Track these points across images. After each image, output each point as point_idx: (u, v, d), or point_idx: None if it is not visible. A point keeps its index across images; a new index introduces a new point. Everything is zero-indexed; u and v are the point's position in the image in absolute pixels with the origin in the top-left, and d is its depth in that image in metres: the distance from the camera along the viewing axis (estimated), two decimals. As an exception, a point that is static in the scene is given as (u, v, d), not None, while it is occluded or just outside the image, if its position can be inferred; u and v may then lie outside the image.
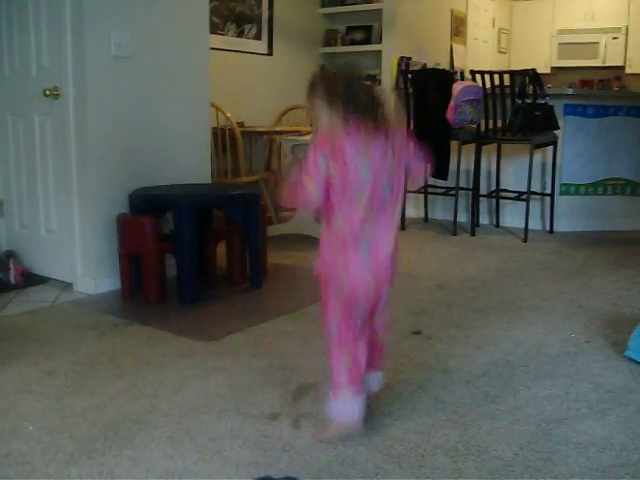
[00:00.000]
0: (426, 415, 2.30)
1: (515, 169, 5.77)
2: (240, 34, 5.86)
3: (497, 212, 5.91)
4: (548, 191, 5.62)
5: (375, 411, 2.32)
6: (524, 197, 5.32)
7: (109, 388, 2.50)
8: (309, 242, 4.92)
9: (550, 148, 5.53)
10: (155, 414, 2.29)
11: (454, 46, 7.62)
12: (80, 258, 3.80)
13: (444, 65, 6.99)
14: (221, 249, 4.09)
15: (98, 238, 3.73)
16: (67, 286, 3.85)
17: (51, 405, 2.36)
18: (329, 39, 6.80)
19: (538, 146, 5.31)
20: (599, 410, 2.35)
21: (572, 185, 5.72)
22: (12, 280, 3.87)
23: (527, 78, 5.23)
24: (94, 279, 3.74)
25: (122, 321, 3.28)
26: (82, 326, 3.21)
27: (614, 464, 1.99)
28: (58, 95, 3.68)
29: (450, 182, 5.55)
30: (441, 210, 6.19)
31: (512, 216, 5.78)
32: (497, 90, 5.34)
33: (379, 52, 6.43)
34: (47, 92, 3.68)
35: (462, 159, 5.45)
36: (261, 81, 6.09)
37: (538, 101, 5.21)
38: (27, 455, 2.02)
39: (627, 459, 2.02)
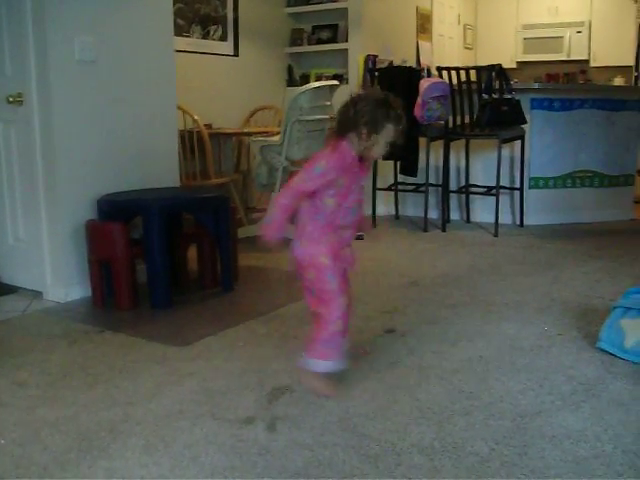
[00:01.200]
0: (401, 414, 2.30)
1: (484, 164, 5.80)
2: (205, 36, 5.84)
3: (467, 207, 5.94)
4: (517, 185, 5.66)
5: (350, 410, 2.32)
6: (493, 192, 5.34)
7: (82, 397, 2.47)
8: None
9: (518, 142, 5.57)
10: (129, 422, 2.27)
11: (420, 43, 7.65)
12: (49, 266, 3.75)
13: (410, 62, 7.02)
14: (192, 253, 4.07)
15: (67, 245, 3.69)
16: (37, 295, 3.80)
17: (23, 417, 2.33)
18: (295, 39, 6.79)
19: (506, 141, 5.35)
20: (573, 402, 2.37)
21: (541, 178, 5.76)
22: (-20, 290, 3.82)
23: (493, 73, 5.27)
24: (64, 287, 3.70)
25: (93, 329, 3.24)
26: (53, 335, 3.17)
27: (589, 456, 2.01)
28: (22, 102, 3.63)
29: (420, 179, 5.57)
30: (412, 207, 6.21)
31: (482, 211, 5.82)
32: (464, 86, 5.37)
33: (345, 51, 6.45)
34: (10, 99, 3.63)
35: (431, 155, 5.47)
36: (228, 82, 6.07)
37: (505, 96, 5.24)
38: (-1, 469, 1.99)
39: (601, 450, 2.04)
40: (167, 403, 2.41)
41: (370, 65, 6.17)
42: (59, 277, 3.73)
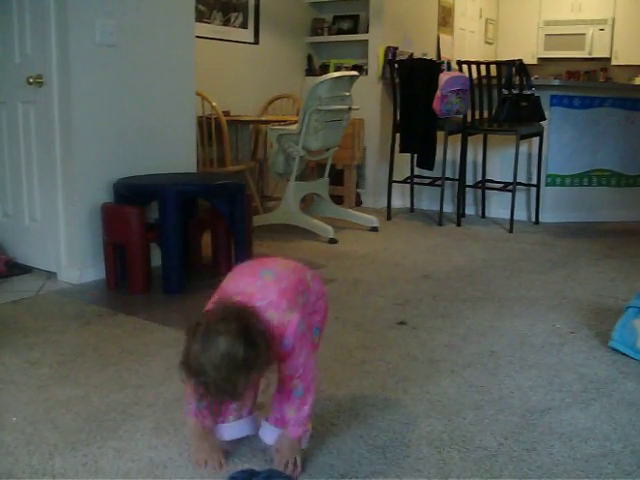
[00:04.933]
0: (411, 405, 2.30)
1: (501, 160, 5.78)
2: (226, 22, 5.83)
3: (483, 203, 5.93)
4: (534, 182, 5.64)
5: (360, 401, 2.32)
6: (510, 188, 5.33)
7: (93, 378, 2.49)
8: (295, 232, 4.93)
9: (536, 139, 5.54)
10: (140, 404, 2.29)
11: (441, 36, 7.61)
12: (64, 248, 3.77)
13: (431, 55, 6.98)
14: (206, 239, 4.08)
15: (82, 227, 3.71)
16: (51, 276, 3.82)
17: (35, 396, 2.35)
18: (316, 28, 6.77)
19: (524, 137, 5.33)
20: (583, 400, 2.36)
21: (558, 176, 5.73)
22: (-4, 269, 3.85)
23: (514, 69, 5.24)
24: (78, 269, 3.72)
25: (107, 311, 3.26)
26: (66, 316, 3.19)
27: (597, 454, 2.00)
28: (42, 83, 3.65)
29: (436, 172, 5.56)
30: (427, 200, 6.20)
31: (498, 207, 5.80)
32: (484, 81, 5.35)
33: (366, 42, 6.41)
34: (31, 80, 3.64)
35: (448, 149, 5.46)
36: (247, 70, 6.06)
37: (524, 92, 5.22)
38: (10, 446, 2.01)
39: (610, 449, 2.03)
40: (178, 387, 2.41)
41: (390, 57, 6.14)
42: (74, 259, 3.75)
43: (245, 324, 1.62)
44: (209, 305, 1.78)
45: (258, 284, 1.79)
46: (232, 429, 1.98)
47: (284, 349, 1.75)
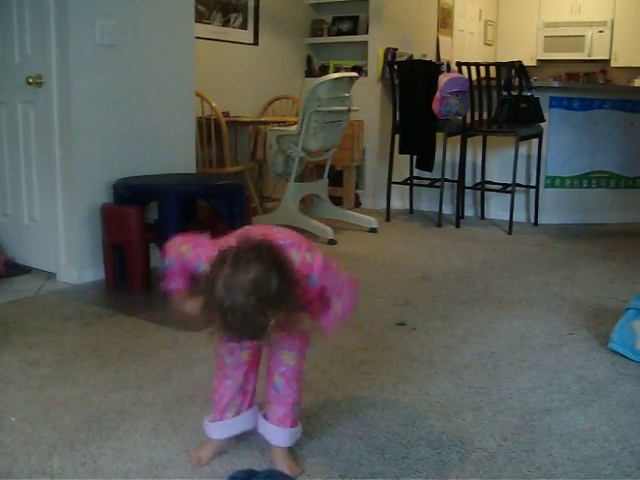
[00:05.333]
0: (410, 406, 2.30)
1: (500, 161, 5.78)
2: (226, 23, 5.83)
3: (482, 204, 5.93)
4: (533, 183, 5.65)
5: (359, 402, 2.32)
6: (509, 189, 5.33)
7: (92, 379, 2.49)
8: (294, 233, 4.92)
9: (535, 140, 5.55)
10: (139, 405, 2.29)
11: (440, 37, 7.61)
12: (64, 248, 3.77)
13: (430, 57, 6.99)
14: (206, 239, 4.07)
15: (82, 228, 3.71)
16: (50, 276, 3.82)
17: (34, 396, 2.34)
18: (315, 29, 6.77)
19: (523, 138, 5.33)
20: (582, 402, 2.36)
21: (557, 178, 5.74)
22: (-5, 270, 3.84)
23: (513, 70, 5.24)
24: (78, 269, 3.72)
25: (106, 311, 3.26)
26: (65, 316, 3.19)
27: (596, 455, 2.01)
28: (41, 83, 3.64)
29: (435, 174, 5.56)
30: (426, 202, 6.20)
31: (497, 208, 5.80)
32: (483, 82, 5.35)
33: (365, 43, 6.41)
34: (30, 80, 3.64)
35: (447, 151, 5.46)
36: (247, 71, 6.06)
37: (524, 93, 5.22)
38: (9, 446, 2.01)
39: (609, 450, 2.04)
40: (177, 387, 2.42)
41: (389, 58, 6.15)
42: (73, 259, 3.75)
43: (277, 256, 1.57)
44: (223, 240, 1.73)
45: (275, 230, 1.77)
46: (232, 426, 1.97)
47: (311, 287, 1.70)
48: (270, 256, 1.55)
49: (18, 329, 3.00)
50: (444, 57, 7.48)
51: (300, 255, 1.69)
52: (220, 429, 1.96)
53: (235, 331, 1.56)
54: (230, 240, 1.68)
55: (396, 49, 6.35)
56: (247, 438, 2.02)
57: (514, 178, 5.24)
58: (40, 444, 2.02)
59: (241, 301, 1.50)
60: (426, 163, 5.50)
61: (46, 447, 2.00)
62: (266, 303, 1.51)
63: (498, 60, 6.79)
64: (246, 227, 1.88)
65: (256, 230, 1.76)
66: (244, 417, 1.97)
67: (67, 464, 1.91)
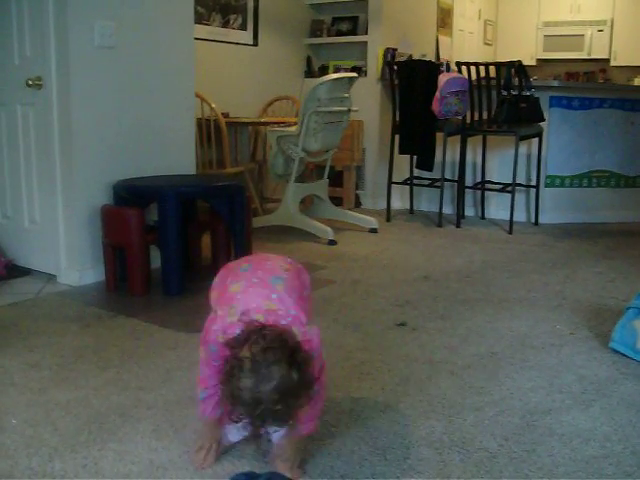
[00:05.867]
0: (411, 407, 2.30)
1: (500, 161, 5.78)
2: (225, 24, 5.83)
3: (482, 204, 5.93)
4: (533, 183, 5.65)
5: (360, 402, 2.32)
6: (509, 189, 5.33)
7: (93, 381, 2.49)
8: (294, 234, 4.93)
9: (535, 140, 5.55)
10: (140, 407, 2.28)
11: (440, 37, 7.61)
12: (64, 250, 3.77)
13: (430, 56, 6.98)
14: (206, 240, 4.08)
15: (82, 229, 3.71)
16: (51, 278, 3.82)
17: (35, 398, 2.34)
18: (315, 30, 6.77)
19: (523, 138, 5.32)
20: (583, 401, 2.36)
21: (557, 177, 5.74)
22: (-5, 272, 3.84)
23: (513, 70, 5.24)
24: (78, 271, 3.72)
25: (106, 313, 3.26)
26: (66, 318, 3.19)
27: (598, 455, 2.00)
28: (41, 85, 3.64)
29: (435, 174, 5.56)
30: (426, 202, 6.20)
31: (497, 208, 5.81)
32: (483, 82, 5.35)
33: (365, 43, 6.41)
34: (30, 82, 3.64)
35: (447, 151, 5.46)
36: (246, 72, 6.07)
37: (524, 93, 5.22)
38: (10, 449, 2.00)
39: (610, 450, 2.03)
40: (178, 389, 2.42)
41: (389, 58, 6.15)
42: (73, 261, 3.75)
43: (290, 348, 1.59)
44: (221, 315, 1.75)
45: (274, 297, 1.76)
46: (239, 429, 1.96)
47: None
48: (285, 353, 1.58)
49: (18, 331, 3.00)
50: (444, 57, 7.48)
51: (302, 330, 1.72)
52: (226, 434, 1.96)
53: (267, 425, 1.64)
54: (233, 322, 1.71)
55: (396, 49, 6.36)
56: (249, 440, 2.02)
57: (514, 178, 5.24)
58: (41, 446, 2.02)
59: (270, 407, 1.56)
60: (426, 163, 5.50)
61: (47, 449, 2.00)
62: (293, 398, 1.58)
63: (498, 60, 6.80)
64: (241, 288, 1.82)
65: (250, 303, 1.74)
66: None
67: (68, 466, 1.91)
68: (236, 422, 1.65)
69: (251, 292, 1.79)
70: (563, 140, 5.69)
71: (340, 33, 6.69)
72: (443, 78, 5.24)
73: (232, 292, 1.81)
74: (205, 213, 4.09)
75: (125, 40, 3.78)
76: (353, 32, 6.62)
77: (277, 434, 1.88)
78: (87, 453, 1.98)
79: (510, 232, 5.27)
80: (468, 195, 5.92)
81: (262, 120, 5.69)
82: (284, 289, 1.79)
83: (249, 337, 1.61)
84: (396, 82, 5.52)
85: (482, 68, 5.37)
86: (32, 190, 3.87)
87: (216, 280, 2.01)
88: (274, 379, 1.54)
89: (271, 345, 1.57)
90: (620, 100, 5.78)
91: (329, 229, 4.83)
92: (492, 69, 5.34)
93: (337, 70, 6.48)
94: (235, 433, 1.95)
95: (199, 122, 4.83)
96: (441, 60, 7.11)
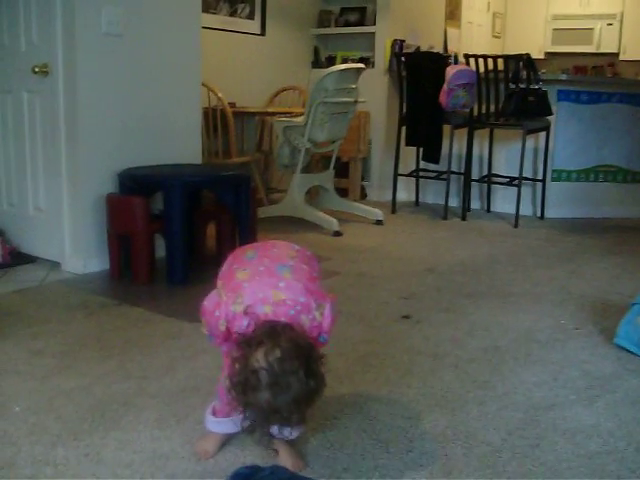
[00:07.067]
0: (414, 400, 2.30)
1: (507, 154, 5.76)
2: (233, 13, 5.81)
3: (488, 197, 5.91)
4: (540, 177, 5.62)
5: (363, 395, 2.32)
6: (516, 182, 5.31)
7: (97, 369, 2.49)
8: (299, 224, 4.92)
9: (543, 134, 5.52)
10: (143, 396, 2.28)
11: (448, 29, 7.57)
12: (69, 237, 3.77)
13: (438, 48, 6.96)
14: (211, 230, 4.08)
15: (87, 217, 3.71)
16: (55, 265, 3.82)
17: (38, 385, 2.34)
18: (323, 20, 6.74)
19: (531, 131, 5.30)
20: (587, 397, 2.35)
21: (564, 171, 5.71)
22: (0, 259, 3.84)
23: (521, 63, 5.22)
24: (83, 259, 3.72)
25: (110, 301, 3.26)
26: (70, 306, 3.19)
27: (601, 451, 2.00)
28: (47, 72, 3.64)
29: (442, 166, 5.55)
30: (432, 194, 6.18)
31: (503, 201, 5.79)
32: (491, 75, 5.33)
33: (373, 34, 6.39)
34: (36, 69, 3.63)
35: (454, 143, 5.44)
36: (253, 61, 6.05)
37: (532, 86, 5.20)
38: (13, 436, 2.00)
39: (614, 446, 2.03)
40: (181, 378, 2.42)
41: (397, 50, 6.13)
42: (78, 248, 3.75)
43: (305, 355, 1.58)
44: (226, 302, 1.70)
45: (282, 286, 1.72)
46: (237, 423, 1.95)
47: (322, 343, 1.74)
48: (301, 361, 1.57)
49: (22, 319, 3.00)
50: (452, 49, 7.44)
51: (310, 317, 1.70)
52: (226, 426, 1.95)
53: (283, 427, 1.68)
54: (238, 312, 1.69)
55: (403, 41, 6.33)
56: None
57: (521, 171, 5.22)
58: (44, 434, 2.02)
59: (285, 415, 1.58)
60: (433, 155, 5.48)
61: (50, 437, 2.00)
62: (310, 404, 1.63)
63: (506, 52, 6.76)
64: (247, 276, 1.78)
65: (257, 294, 1.71)
66: None
67: (70, 454, 1.91)
68: (245, 429, 1.67)
69: (258, 281, 1.75)
70: (570, 134, 5.66)
71: (348, 24, 6.66)
72: (451, 70, 5.22)
73: (239, 280, 1.77)
74: (210, 203, 4.08)
75: (132, 28, 3.76)
76: (361, 23, 6.60)
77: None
78: (90, 441, 1.98)
79: (516, 226, 5.25)
80: (474, 188, 5.91)
81: (269, 110, 5.67)
82: (291, 275, 1.76)
83: (262, 341, 1.58)
84: (403, 74, 5.51)
85: (490, 61, 5.34)
86: (37, 178, 3.86)
87: (224, 268, 1.98)
88: (292, 391, 1.55)
89: (287, 356, 1.56)
90: (629, 95, 5.75)
91: (334, 220, 4.82)
92: (500, 62, 5.31)
93: (344, 61, 6.45)
94: (230, 426, 1.94)
95: (205, 111, 4.82)
96: (449, 52, 7.09)
